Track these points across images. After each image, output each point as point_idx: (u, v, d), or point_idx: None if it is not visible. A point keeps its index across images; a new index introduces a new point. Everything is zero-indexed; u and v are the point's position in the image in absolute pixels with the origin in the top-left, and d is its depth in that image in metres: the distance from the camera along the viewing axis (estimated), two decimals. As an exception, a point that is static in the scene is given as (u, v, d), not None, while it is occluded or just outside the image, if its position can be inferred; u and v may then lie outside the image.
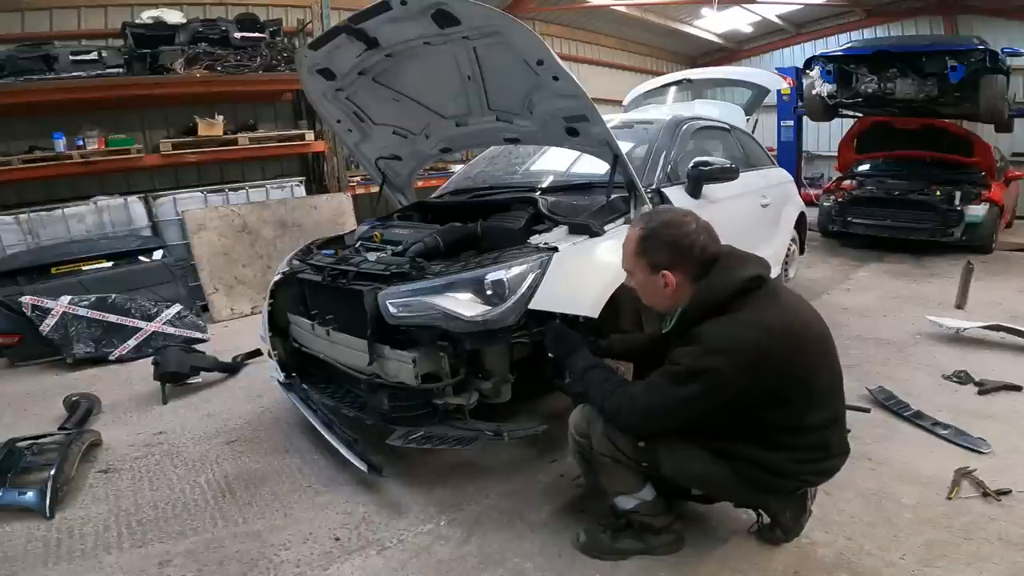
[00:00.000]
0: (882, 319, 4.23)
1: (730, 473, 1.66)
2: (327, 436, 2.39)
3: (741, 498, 1.82)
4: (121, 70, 5.15)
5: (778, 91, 7.67)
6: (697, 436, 1.66)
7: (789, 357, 1.54)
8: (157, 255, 4.84)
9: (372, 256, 2.49)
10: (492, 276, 2.07)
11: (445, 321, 2.03)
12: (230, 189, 5.64)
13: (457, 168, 5.13)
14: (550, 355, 2.00)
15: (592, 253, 2.32)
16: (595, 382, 1.75)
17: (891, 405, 2.78)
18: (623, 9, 9.92)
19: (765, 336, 1.52)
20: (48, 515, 2.19)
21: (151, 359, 3.40)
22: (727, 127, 4.30)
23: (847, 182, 6.96)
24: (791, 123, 8.53)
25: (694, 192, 3.04)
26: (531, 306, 2.03)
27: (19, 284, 4.28)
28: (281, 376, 2.81)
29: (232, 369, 3.67)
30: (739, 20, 11.19)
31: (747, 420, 1.60)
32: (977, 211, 6.06)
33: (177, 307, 4.37)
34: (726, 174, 3.06)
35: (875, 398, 2.86)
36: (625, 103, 7.27)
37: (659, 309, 1.77)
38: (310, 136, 6.13)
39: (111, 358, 3.99)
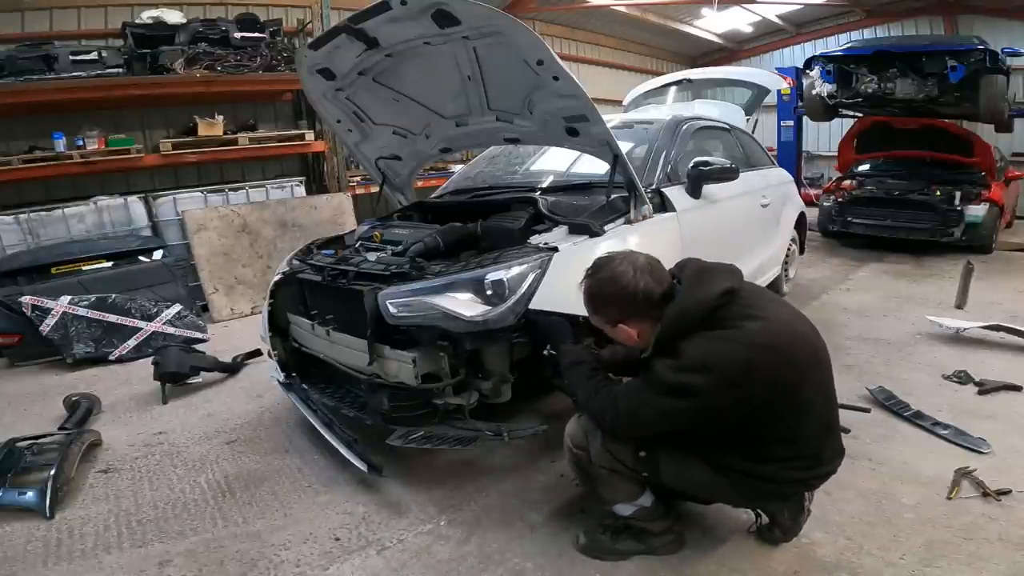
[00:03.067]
0: (882, 319, 4.23)
1: (729, 484, 1.67)
2: (327, 436, 2.39)
3: (740, 502, 1.83)
4: (121, 70, 5.15)
5: (778, 91, 7.68)
6: (695, 448, 1.66)
7: (776, 372, 1.51)
8: (157, 255, 4.84)
9: (372, 256, 2.49)
10: (492, 276, 2.07)
11: (445, 321, 2.03)
12: (230, 189, 5.64)
13: (457, 168, 5.13)
14: (545, 351, 1.99)
15: (592, 253, 2.28)
16: (581, 378, 1.75)
17: (891, 405, 2.78)
18: (623, 9, 9.91)
19: (751, 352, 1.48)
20: (48, 515, 2.19)
21: (151, 359, 3.41)
22: (727, 127, 4.30)
23: (847, 182, 6.97)
24: (791, 123, 8.53)
25: (694, 192, 3.04)
26: (531, 306, 2.03)
27: (19, 284, 4.28)
28: (281, 376, 2.81)
29: (232, 369, 3.67)
30: (739, 20, 11.20)
31: (741, 434, 1.61)
32: (977, 211, 6.06)
33: (177, 307, 4.37)
34: (726, 174, 3.05)
35: (875, 398, 2.86)
36: (625, 103, 7.28)
37: (638, 347, 1.70)
38: (310, 136, 6.13)
39: (111, 358, 3.99)
